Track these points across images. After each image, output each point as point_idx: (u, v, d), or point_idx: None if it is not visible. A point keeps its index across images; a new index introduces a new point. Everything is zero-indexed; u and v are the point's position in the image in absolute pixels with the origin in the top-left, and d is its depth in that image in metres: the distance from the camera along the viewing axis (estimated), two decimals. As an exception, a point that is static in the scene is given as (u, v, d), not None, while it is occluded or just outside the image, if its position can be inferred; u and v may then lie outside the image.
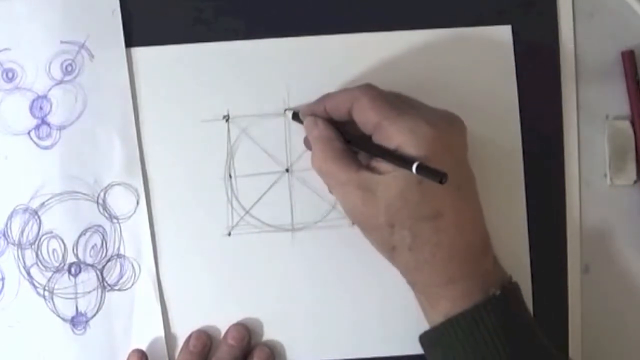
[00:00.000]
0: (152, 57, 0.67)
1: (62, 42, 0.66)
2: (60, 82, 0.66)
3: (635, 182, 0.67)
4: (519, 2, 0.68)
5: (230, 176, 0.67)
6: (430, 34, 0.67)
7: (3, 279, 0.65)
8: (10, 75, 0.66)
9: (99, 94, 0.66)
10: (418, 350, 0.63)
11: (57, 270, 0.65)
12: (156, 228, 0.66)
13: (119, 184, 0.66)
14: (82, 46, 0.66)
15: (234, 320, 0.66)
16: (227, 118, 0.67)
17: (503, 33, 0.67)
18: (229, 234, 0.67)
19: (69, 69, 0.66)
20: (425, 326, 0.61)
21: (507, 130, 0.67)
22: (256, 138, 0.67)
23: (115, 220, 0.66)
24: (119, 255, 0.65)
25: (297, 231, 0.67)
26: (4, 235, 0.65)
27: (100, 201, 0.65)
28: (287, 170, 0.67)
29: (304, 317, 0.67)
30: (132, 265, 0.65)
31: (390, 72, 0.67)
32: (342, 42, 0.67)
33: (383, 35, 0.67)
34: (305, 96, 0.66)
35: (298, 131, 0.67)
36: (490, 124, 0.67)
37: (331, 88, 0.66)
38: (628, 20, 0.68)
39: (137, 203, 0.66)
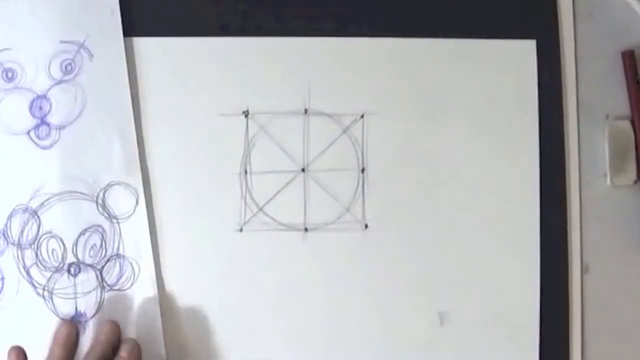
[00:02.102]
0: (170, 49, 0.66)
1: (61, 41, 0.66)
2: (60, 81, 0.66)
3: (635, 182, 0.67)
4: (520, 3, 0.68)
5: (245, 172, 0.67)
6: (453, 43, 0.68)
7: (3, 278, 0.64)
8: (10, 75, 0.65)
9: (98, 93, 0.66)
10: (423, 356, 0.63)
11: (57, 270, 0.65)
12: (164, 222, 0.66)
13: (118, 184, 0.65)
14: (82, 46, 0.66)
15: (238, 319, 0.66)
16: (246, 114, 0.67)
17: (527, 47, 0.68)
18: (241, 230, 0.66)
19: (69, 68, 0.66)
20: (432, 339, 0.63)
21: (525, 141, 0.67)
22: (274, 136, 0.67)
23: (114, 220, 0.65)
24: (118, 255, 0.65)
25: (309, 231, 0.67)
26: (3, 235, 0.65)
27: (100, 201, 0.65)
28: (303, 170, 0.67)
29: (311, 317, 0.66)
30: (132, 265, 0.65)
31: (411, 78, 0.67)
32: (365, 45, 0.67)
33: (407, 41, 0.67)
34: (326, 96, 0.67)
35: (316, 131, 0.67)
36: (508, 134, 0.67)
37: (353, 90, 0.67)
38: (628, 20, 0.68)
39: (137, 203, 0.65)
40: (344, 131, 0.67)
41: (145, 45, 0.66)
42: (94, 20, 0.66)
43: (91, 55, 0.66)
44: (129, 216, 0.65)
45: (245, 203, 0.67)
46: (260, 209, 0.67)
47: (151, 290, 0.65)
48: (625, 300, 0.68)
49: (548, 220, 0.67)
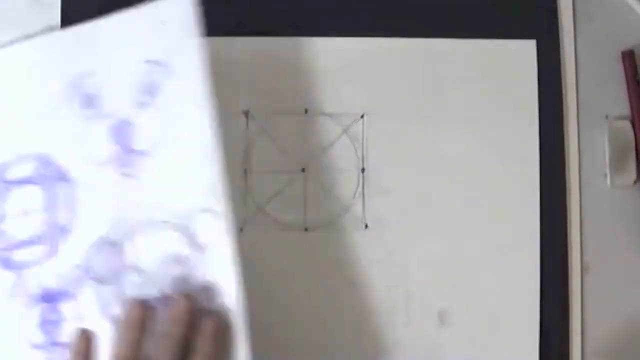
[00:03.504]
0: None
1: (144, 62, 0.64)
2: (143, 105, 0.63)
3: (635, 182, 0.67)
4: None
5: (245, 172, 0.67)
6: (453, 43, 0.68)
7: (85, 317, 0.62)
8: (90, 100, 0.64)
9: (180, 117, 0.63)
10: (423, 356, 0.63)
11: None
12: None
13: (203, 211, 0.62)
14: (164, 67, 0.64)
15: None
16: (247, 113, 0.67)
17: (527, 47, 0.68)
18: (241, 230, 0.67)
19: (151, 91, 0.63)
20: (432, 339, 0.63)
21: (525, 141, 0.67)
22: (274, 136, 0.67)
23: (199, 249, 0.61)
24: (203, 284, 0.61)
25: (309, 231, 0.67)
26: (84, 266, 0.63)
27: (185, 229, 0.62)
28: (303, 170, 0.67)
29: (311, 317, 0.67)
30: (218, 294, 0.60)
31: (411, 78, 0.67)
32: (364, 45, 0.67)
33: (407, 41, 0.67)
34: (326, 96, 0.67)
35: (316, 131, 0.67)
36: (508, 134, 0.67)
37: (351, 90, 0.67)
38: (628, 20, 0.68)
39: (222, 230, 0.61)
40: (344, 131, 0.67)
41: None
42: (176, 44, 0.63)
43: (173, 77, 0.63)
44: (215, 244, 0.61)
45: (245, 203, 0.67)
46: (261, 209, 0.67)
47: (238, 319, 0.60)
48: (625, 300, 0.67)
49: (548, 221, 0.67)
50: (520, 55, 0.67)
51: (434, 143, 0.67)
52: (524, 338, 0.66)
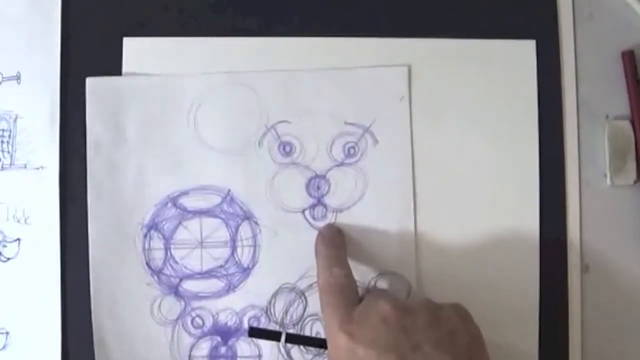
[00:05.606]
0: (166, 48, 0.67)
1: (346, 123, 0.65)
2: (341, 164, 0.65)
3: (635, 182, 0.67)
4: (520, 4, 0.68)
5: None
6: (453, 43, 0.68)
7: (260, 356, 0.64)
8: (287, 149, 0.64)
9: (380, 180, 0.65)
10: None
11: (319, 353, 0.64)
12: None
13: (389, 274, 0.64)
14: (367, 130, 0.65)
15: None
16: None
17: (527, 47, 0.68)
18: None
19: (351, 151, 0.65)
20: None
21: (524, 141, 0.67)
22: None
23: None
24: None
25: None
26: (266, 312, 0.64)
27: (371, 288, 0.64)
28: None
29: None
30: None
31: (411, 78, 0.67)
32: (362, 45, 0.67)
33: (407, 41, 0.67)
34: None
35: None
36: (507, 134, 0.67)
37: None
38: (628, 20, 0.68)
39: (408, 294, 0.64)
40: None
41: (142, 44, 0.66)
42: (382, 106, 0.65)
43: (375, 141, 0.65)
44: None
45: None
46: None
47: None
48: (625, 300, 0.67)
49: (547, 221, 0.67)
50: (520, 55, 0.67)
51: (432, 142, 0.67)
52: (523, 338, 0.66)
